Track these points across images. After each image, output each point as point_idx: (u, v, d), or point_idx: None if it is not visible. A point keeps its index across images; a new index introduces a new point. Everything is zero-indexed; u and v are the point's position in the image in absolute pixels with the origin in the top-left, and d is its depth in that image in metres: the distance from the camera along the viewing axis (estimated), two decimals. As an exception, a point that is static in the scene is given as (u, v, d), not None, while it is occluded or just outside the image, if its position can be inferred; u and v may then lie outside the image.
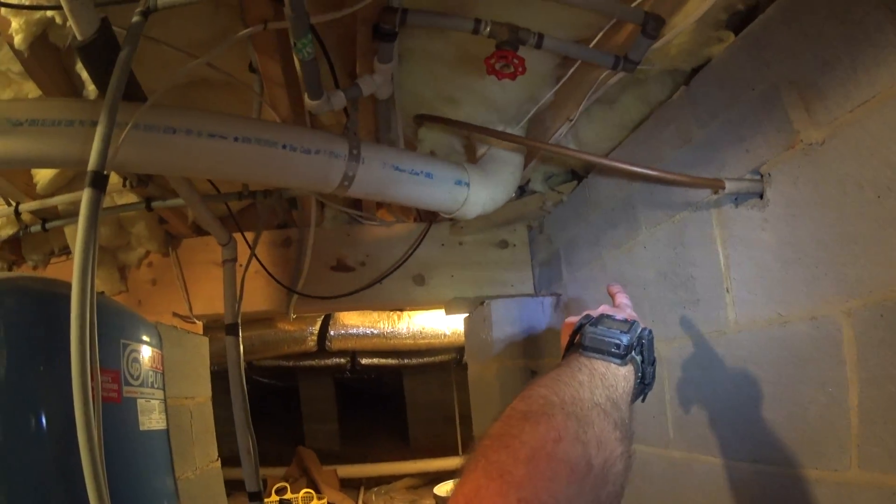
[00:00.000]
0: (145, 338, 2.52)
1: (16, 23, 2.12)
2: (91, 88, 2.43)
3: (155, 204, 3.51)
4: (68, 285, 2.33)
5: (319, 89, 2.20)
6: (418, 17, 2.02)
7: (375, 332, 7.78)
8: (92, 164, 1.73)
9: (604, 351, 1.21)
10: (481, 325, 3.88)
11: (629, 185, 2.70)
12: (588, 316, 1.36)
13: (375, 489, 9.95)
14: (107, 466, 1.71)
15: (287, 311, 4.14)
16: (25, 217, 3.72)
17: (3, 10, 2.12)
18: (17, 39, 2.17)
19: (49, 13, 2.08)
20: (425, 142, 3.04)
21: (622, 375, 1.18)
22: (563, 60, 2.48)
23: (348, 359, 9.45)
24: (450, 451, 10.40)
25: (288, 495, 7.36)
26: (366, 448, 11.90)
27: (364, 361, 9.45)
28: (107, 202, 3.65)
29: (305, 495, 7.63)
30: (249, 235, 3.84)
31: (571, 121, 2.55)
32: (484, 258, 4.09)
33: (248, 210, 4.05)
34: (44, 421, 2.04)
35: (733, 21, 2.07)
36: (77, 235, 1.70)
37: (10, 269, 4.64)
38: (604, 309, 1.45)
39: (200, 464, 3.71)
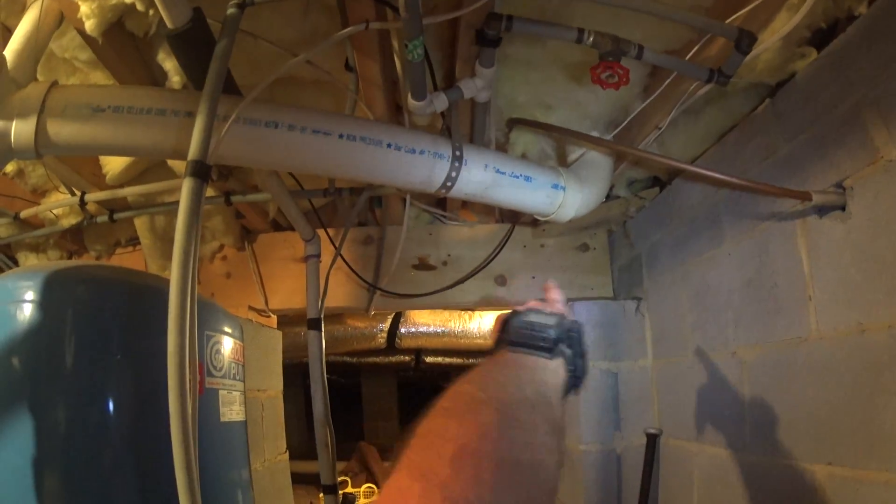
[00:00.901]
0: (228, 329, 2.58)
1: (86, 7, 2.14)
2: (176, 79, 2.49)
3: (234, 198, 3.62)
4: (141, 274, 2.46)
5: (424, 91, 2.27)
6: (523, 24, 2.07)
7: (446, 330, 7.81)
8: (193, 153, 1.80)
9: (531, 345, 1.21)
10: None
11: (714, 194, 2.79)
12: (515, 311, 1.34)
13: None
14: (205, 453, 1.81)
15: (367, 308, 4.23)
16: (91, 207, 3.81)
17: None
18: (89, 25, 2.17)
19: (128, 0, 2.10)
20: (517, 145, 3.11)
21: (551, 369, 1.19)
22: (654, 70, 2.57)
23: (413, 357, 9.56)
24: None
25: (349, 489, 7.49)
26: (424, 445, 12.00)
27: (429, 360, 9.55)
28: (177, 196, 3.71)
29: (367, 490, 7.73)
30: (331, 232, 3.97)
31: (660, 129, 2.64)
32: (565, 261, 4.15)
33: (327, 207, 4.14)
34: (111, 410, 2.08)
35: (816, 38, 2.18)
36: (178, 226, 1.75)
37: (69, 259, 4.75)
38: (531, 304, 1.42)
39: (269, 456, 3.84)
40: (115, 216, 3.87)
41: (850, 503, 1.96)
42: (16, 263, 4.58)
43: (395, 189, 3.48)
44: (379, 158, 2.32)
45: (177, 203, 3.58)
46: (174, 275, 1.70)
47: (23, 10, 2.31)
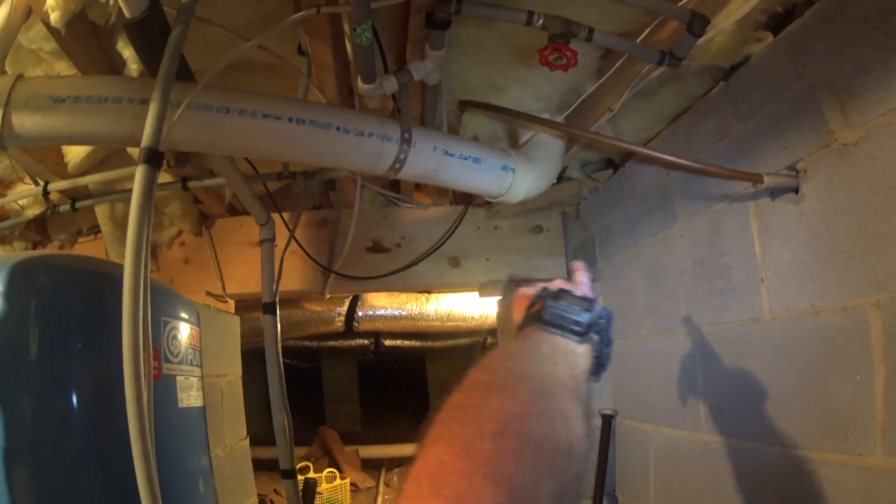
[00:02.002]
0: (184, 315, 2.58)
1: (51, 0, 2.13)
2: (134, 67, 2.47)
3: (191, 184, 3.60)
4: (101, 262, 2.44)
5: (373, 74, 2.27)
6: (473, 7, 2.07)
7: (403, 313, 7.81)
8: (146, 140, 1.80)
9: (564, 327, 1.19)
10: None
11: (667, 176, 2.81)
12: (546, 289, 1.32)
13: (397, 470, 10.03)
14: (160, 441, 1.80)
15: (322, 292, 4.24)
16: (54, 196, 3.80)
17: None
18: (54, 17, 2.15)
19: None
20: (468, 127, 3.11)
21: (581, 354, 1.17)
22: (606, 53, 2.57)
23: (372, 340, 9.59)
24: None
25: (311, 474, 7.47)
26: (386, 429, 12.02)
27: (388, 343, 9.59)
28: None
29: (329, 475, 7.71)
30: (285, 216, 3.97)
31: (612, 111, 2.64)
32: (519, 242, 4.17)
33: (282, 191, 4.11)
34: (75, 399, 2.09)
35: (772, 22, 2.18)
36: (131, 213, 1.75)
37: (34, 249, 4.72)
38: (559, 283, 1.39)
39: (230, 442, 3.81)
40: (77, 205, 3.87)
41: (804, 484, 1.98)
42: None
43: (347, 172, 3.48)
44: (328, 141, 2.34)
45: (127, 190, 3.56)
46: (128, 261, 1.71)
47: None
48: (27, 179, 3.77)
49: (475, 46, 2.60)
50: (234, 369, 4.04)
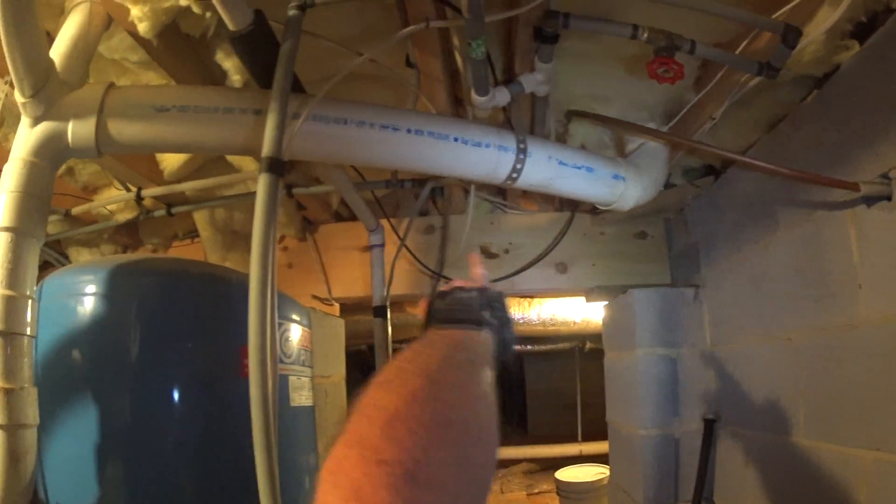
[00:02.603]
0: (296, 317, 2.63)
1: (137, 10, 2.15)
2: (236, 78, 2.54)
3: (297, 191, 3.69)
4: (204, 265, 2.51)
5: (487, 86, 2.35)
6: (580, 22, 2.14)
7: (505, 318, 7.78)
8: (267, 150, 1.89)
9: (456, 319, 1.26)
10: (622, 313, 4.01)
11: (767, 183, 2.84)
12: (439, 292, 1.39)
13: (510, 468, 10.14)
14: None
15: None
16: (147, 202, 3.89)
17: None
18: (143, 27, 2.19)
19: (182, 2, 2.13)
20: (576, 136, 3.17)
21: (480, 338, 1.21)
22: (703, 63, 2.63)
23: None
24: (569, 439, 10.40)
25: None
26: (502, 433, 12.06)
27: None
28: (241, 188, 3.84)
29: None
30: (393, 221, 4.09)
31: (714, 119, 2.68)
32: (623, 248, 4.21)
33: (387, 197, 4.22)
34: (176, 398, 2.15)
35: (858, 31, 2.23)
36: (256, 219, 1.84)
37: (124, 253, 4.82)
38: (455, 282, 1.46)
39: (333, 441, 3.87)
40: (174, 210, 3.98)
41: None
42: (67, 259, 4.68)
43: (458, 180, 3.55)
44: (446, 152, 2.39)
45: (237, 196, 3.71)
46: (254, 266, 1.81)
47: (60, 13, 2.39)
48: (116, 185, 3.88)
49: (581, 58, 2.67)
50: (338, 370, 4.16)
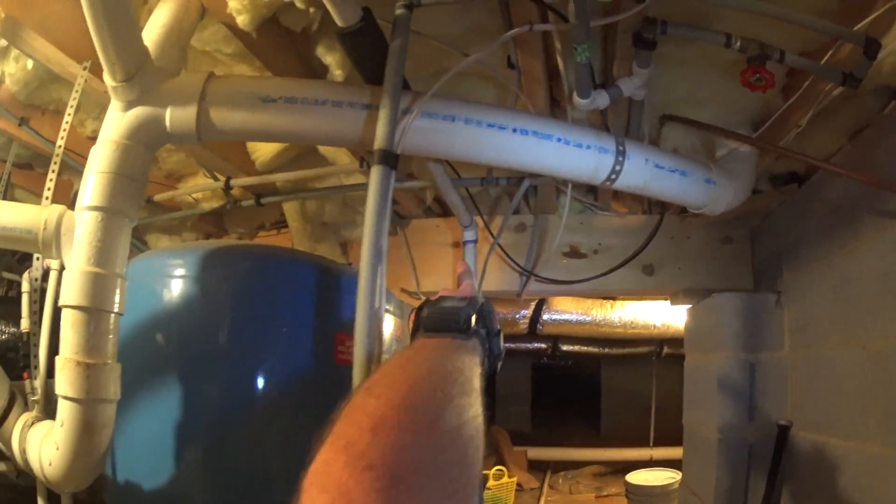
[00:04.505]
0: (390, 307, 2.71)
1: (236, 2, 2.24)
2: (338, 73, 2.59)
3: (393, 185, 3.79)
4: (299, 252, 2.56)
5: (589, 89, 2.43)
6: (677, 29, 2.23)
7: (588, 318, 7.94)
8: (380, 143, 1.98)
9: (444, 328, 1.24)
10: (706, 316, 4.08)
11: (852, 190, 2.87)
12: (427, 301, 1.37)
13: (562, 473, 10.06)
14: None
15: (520, 293, 4.43)
16: (236, 191, 4.02)
17: None
18: (242, 20, 2.27)
19: None
20: (668, 140, 3.22)
21: (467, 347, 1.20)
22: (790, 71, 2.70)
23: (550, 344, 9.72)
24: (641, 442, 10.47)
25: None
26: (556, 432, 12.05)
27: (565, 348, 9.70)
28: (333, 181, 3.96)
29: (496, 472, 7.92)
30: (484, 218, 4.15)
31: (800, 127, 2.74)
32: (709, 252, 4.24)
33: (479, 194, 4.24)
34: (267, 383, 2.24)
35: None
36: (367, 210, 1.93)
37: (207, 240, 4.96)
38: (443, 292, 1.45)
39: None
40: (263, 200, 4.08)
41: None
42: (146, 245, 4.87)
43: (552, 180, 3.63)
44: (550, 152, 2.45)
45: (331, 189, 3.87)
46: (365, 256, 1.90)
47: (145, 2, 2.54)
48: (204, 173, 4.02)
49: (677, 63, 2.74)
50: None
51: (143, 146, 2.14)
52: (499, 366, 1.38)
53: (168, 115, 2.15)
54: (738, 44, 2.22)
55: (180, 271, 2.31)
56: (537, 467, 10.09)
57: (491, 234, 4.11)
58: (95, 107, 3.61)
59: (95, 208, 2.02)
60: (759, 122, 3.01)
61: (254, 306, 2.31)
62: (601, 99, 2.52)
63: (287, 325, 2.33)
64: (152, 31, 2.28)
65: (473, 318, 1.26)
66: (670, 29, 2.24)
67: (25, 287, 4.05)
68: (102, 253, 2.00)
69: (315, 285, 2.38)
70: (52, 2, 2.60)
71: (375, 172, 1.98)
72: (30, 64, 3.24)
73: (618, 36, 2.43)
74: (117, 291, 2.03)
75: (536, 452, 10.20)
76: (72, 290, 1.98)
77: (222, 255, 2.38)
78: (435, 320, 1.26)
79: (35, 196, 4.79)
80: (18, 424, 2.45)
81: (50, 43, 2.73)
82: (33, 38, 2.77)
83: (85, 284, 1.97)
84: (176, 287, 2.31)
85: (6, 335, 7.34)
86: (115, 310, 2.02)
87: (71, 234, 2.07)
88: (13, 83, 3.41)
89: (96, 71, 2.56)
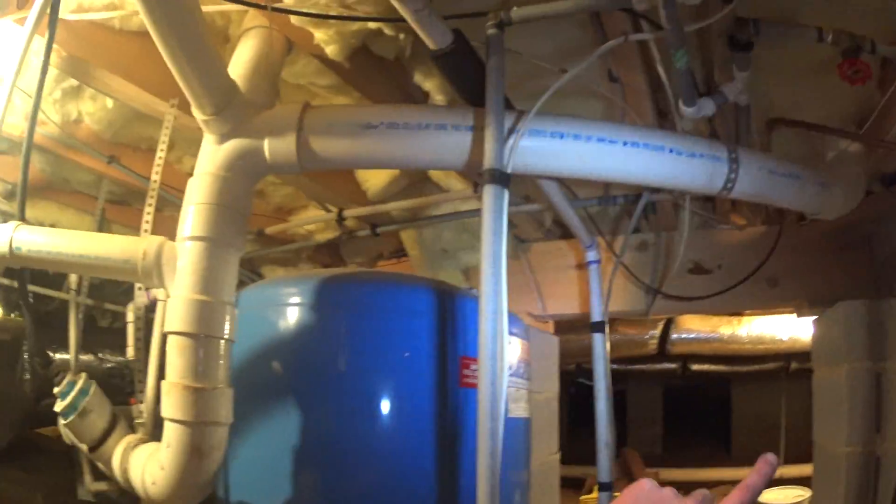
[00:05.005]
0: (515, 331, 2.65)
1: (321, 34, 2.31)
2: (439, 98, 2.65)
3: (510, 209, 3.76)
4: (415, 278, 2.55)
5: (693, 97, 2.39)
6: (770, 27, 2.21)
7: (714, 336, 7.88)
8: (490, 162, 2.00)
9: None
10: (830, 326, 3.94)
11: None
12: None
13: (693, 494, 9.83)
14: (475, 451, 1.93)
15: (647, 312, 4.38)
16: (350, 222, 4.09)
17: (298, 22, 2.33)
18: (331, 50, 2.34)
19: (371, 25, 2.27)
20: (777, 146, 3.17)
21: None
22: (883, 63, 2.60)
23: (679, 364, 9.52)
24: (772, 462, 10.12)
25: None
26: (687, 453, 11.87)
27: (694, 367, 9.48)
28: (448, 208, 4.00)
29: (627, 495, 7.77)
30: (601, 239, 4.14)
31: None
32: (829, 260, 4.13)
33: (598, 214, 4.24)
34: (388, 409, 2.25)
35: None
36: (483, 231, 1.98)
37: None
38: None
39: (541, 456, 3.93)
40: (379, 230, 4.15)
41: None
42: (260, 277, 4.99)
43: (668, 195, 3.62)
44: (663, 164, 2.42)
45: (446, 216, 3.92)
46: (484, 279, 1.95)
47: (225, 40, 2.61)
48: (314, 206, 4.11)
49: (772, 69, 2.70)
50: (551, 387, 4.25)
51: (242, 177, 2.20)
52: None
53: (266, 146, 2.19)
54: (830, 37, 2.19)
55: (296, 299, 2.35)
56: (669, 488, 9.85)
57: (614, 253, 4.10)
58: (192, 144, 3.71)
59: (197, 238, 2.08)
60: (861, 120, 2.92)
61: (373, 332, 2.33)
62: (707, 106, 2.48)
63: (409, 349, 2.33)
64: (238, 66, 2.35)
65: None
66: (763, 28, 2.21)
67: (130, 317, 4.22)
68: (207, 281, 2.06)
69: (436, 310, 2.38)
70: (124, 42, 2.72)
71: (488, 192, 2.02)
72: (109, 103, 3.36)
73: (713, 40, 2.42)
74: (226, 318, 2.09)
75: (668, 474, 10.00)
76: (176, 317, 2.04)
77: (338, 282, 2.42)
78: None
79: (132, 231, 4.98)
80: (121, 446, 2.56)
81: (129, 82, 2.83)
82: (109, 77, 2.87)
83: (190, 311, 2.03)
84: (292, 315, 2.35)
85: (111, 363, 7.69)
86: (225, 336, 2.08)
87: (172, 264, 2.13)
88: (94, 122, 3.54)
89: (185, 107, 2.62)
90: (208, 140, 2.23)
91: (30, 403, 8.97)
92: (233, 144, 2.18)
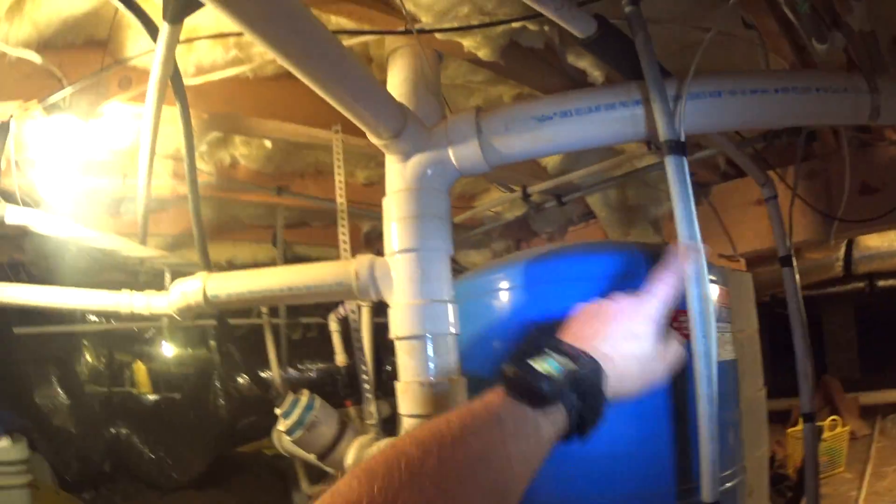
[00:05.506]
0: (713, 277, 2.65)
1: (470, 41, 2.41)
2: (596, 74, 2.74)
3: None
4: (606, 244, 2.68)
5: (824, 33, 2.42)
6: None
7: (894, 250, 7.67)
8: (663, 135, 2.08)
9: (522, 392, 1.09)
10: None
11: None
12: (523, 348, 1.19)
13: (891, 416, 9.63)
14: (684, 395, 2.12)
15: (829, 238, 4.44)
16: (535, 197, 4.20)
17: (443, 36, 2.42)
18: (483, 53, 2.45)
19: (515, 25, 2.36)
20: None
21: (546, 422, 1.09)
22: None
23: (866, 282, 9.46)
24: None
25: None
26: (885, 375, 11.60)
27: (881, 283, 9.38)
28: (627, 167, 4.11)
29: (831, 423, 7.68)
30: (774, 173, 4.09)
31: None
32: None
33: (766, 150, 4.16)
34: None
35: None
36: (673, 199, 2.05)
37: (517, 246, 5.41)
38: (570, 331, 1.30)
39: (749, 392, 3.93)
40: (565, 199, 4.29)
41: None
42: (456, 262, 5.09)
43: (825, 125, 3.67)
44: (811, 103, 2.42)
45: (626, 175, 4.11)
46: (682, 237, 2.04)
47: (369, 61, 2.75)
48: (496, 188, 4.30)
49: None
50: (751, 324, 4.23)
51: (433, 187, 2.29)
52: (590, 433, 1.18)
53: (451, 154, 2.28)
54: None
55: (504, 283, 2.43)
56: (868, 413, 9.65)
57: (788, 186, 4.07)
58: (361, 158, 3.89)
59: (406, 251, 2.20)
60: None
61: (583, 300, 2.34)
62: (837, 39, 2.49)
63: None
64: (397, 87, 2.46)
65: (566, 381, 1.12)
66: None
67: (334, 326, 4.34)
68: (424, 286, 2.18)
69: (638, 270, 2.36)
70: (265, 88, 2.95)
71: (670, 164, 2.09)
72: (268, 143, 3.58)
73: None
74: (448, 315, 2.20)
75: (866, 398, 9.79)
76: (402, 323, 2.17)
77: (539, 260, 2.47)
78: (515, 381, 1.12)
79: (313, 248, 5.19)
80: (353, 447, 2.70)
81: (285, 121, 3.02)
82: (261, 123, 3.08)
83: (413, 316, 2.15)
84: (503, 298, 2.43)
85: (312, 372, 7.99)
86: (451, 331, 2.19)
87: (385, 277, 2.24)
88: (251, 162, 3.86)
89: (349, 129, 2.83)
90: (392, 160, 2.32)
91: (227, 426, 9.44)
92: (418, 159, 2.27)
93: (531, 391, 1.08)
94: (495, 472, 0.97)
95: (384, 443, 2.52)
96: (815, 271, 7.93)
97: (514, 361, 1.13)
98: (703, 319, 1.97)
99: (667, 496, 2.23)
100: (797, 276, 3.92)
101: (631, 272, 2.33)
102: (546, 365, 1.12)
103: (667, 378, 1.39)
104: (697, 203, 3.81)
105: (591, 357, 1.19)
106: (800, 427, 4.09)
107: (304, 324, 8.31)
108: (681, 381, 2.12)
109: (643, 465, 2.24)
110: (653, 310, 1.38)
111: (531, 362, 1.12)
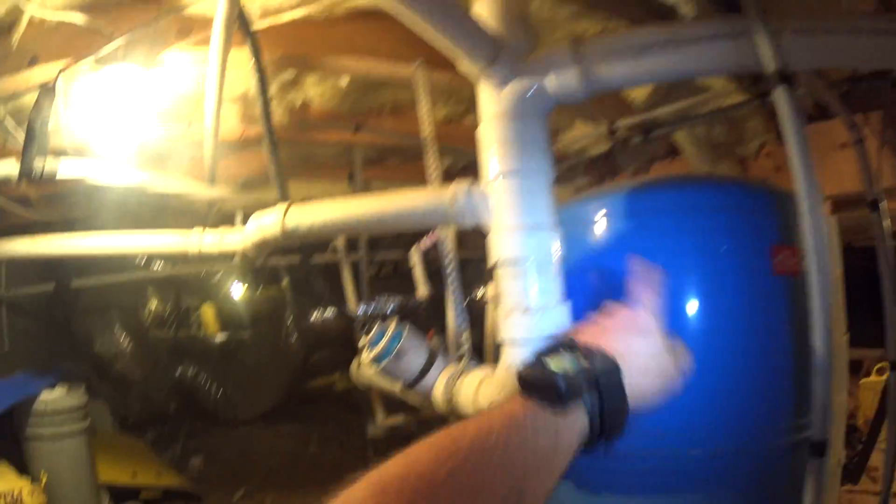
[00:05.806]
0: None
1: None
2: (686, 9, 2.69)
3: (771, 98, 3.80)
4: (704, 178, 2.66)
5: None
6: None
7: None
8: (770, 66, 2.01)
9: (539, 393, 1.08)
10: None
11: None
12: (545, 350, 1.20)
13: None
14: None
15: None
16: (621, 132, 4.12)
17: None
18: None
19: None
20: None
21: (565, 425, 1.07)
22: None
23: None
24: None
25: (886, 376, 7.40)
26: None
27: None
28: (714, 105, 3.99)
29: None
30: (859, 117, 3.97)
31: None
32: None
33: (853, 93, 4.03)
34: (709, 305, 2.24)
35: None
36: (785, 130, 1.97)
37: (602, 181, 5.29)
38: (582, 328, 1.33)
39: (833, 337, 3.88)
40: (651, 134, 4.20)
41: None
42: None
43: None
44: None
45: (714, 112, 4.00)
46: (799, 176, 1.98)
47: None
48: (580, 123, 4.27)
49: None
50: (835, 268, 4.19)
51: (532, 112, 2.24)
52: (616, 436, 1.17)
53: (549, 82, 2.22)
54: None
55: (600, 214, 2.41)
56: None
57: (873, 130, 4.02)
58: (441, 94, 3.83)
59: (506, 174, 2.16)
60: None
61: (683, 231, 2.34)
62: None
63: (723, 243, 2.32)
64: (486, 18, 2.36)
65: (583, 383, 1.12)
66: None
67: (415, 260, 4.34)
68: (527, 208, 2.15)
69: (741, 203, 2.43)
70: (338, 28, 2.92)
71: (780, 95, 2.01)
72: (343, 81, 3.57)
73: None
74: (551, 239, 2.16)
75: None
76: (504, 247, 2.14)
77: (641, 191, 2.44)
78: (530, 380, 1.12)
79: (389, 184, 5.20)
80: (442, 378, 2.64)
81: (363, 58, 3.02)
82: (339, 60, 3.06)
83: (516, 240, 2.13)
84: (603, 228, 2.40)
85: (389, 306, 8.04)
86: (553, 258, 2.15)
87: (483, 203, 2.21)
88: (325, 102, 3.83)
89: (429, 65, 2.78)
90: (486, 88, 2.28)
91: (298, 362, 9.55)
92: (514, 86, 2.23)
93: (547, 389, 1.08)
94: (511, 481, 0.97)
95: (479, 373, 2.47)
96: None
97: (529, 363, 1.15)
98: (819, 258, 1.91)
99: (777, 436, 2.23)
100: (886, 222, 3.82)
101: (748, 207, 2.35)
102: (561, 362, 1.12)
103: (681, 378, 1.38)
104: (782, 143, 3.87)
105: (605, 353, 1.19)
106: (873, 378, 4.01)
107: (378, 262, 8.39)
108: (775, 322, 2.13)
109: (747, 406, 2.21)
110: (652, 310, 1.42)
111: (546, 360, 1.13)
